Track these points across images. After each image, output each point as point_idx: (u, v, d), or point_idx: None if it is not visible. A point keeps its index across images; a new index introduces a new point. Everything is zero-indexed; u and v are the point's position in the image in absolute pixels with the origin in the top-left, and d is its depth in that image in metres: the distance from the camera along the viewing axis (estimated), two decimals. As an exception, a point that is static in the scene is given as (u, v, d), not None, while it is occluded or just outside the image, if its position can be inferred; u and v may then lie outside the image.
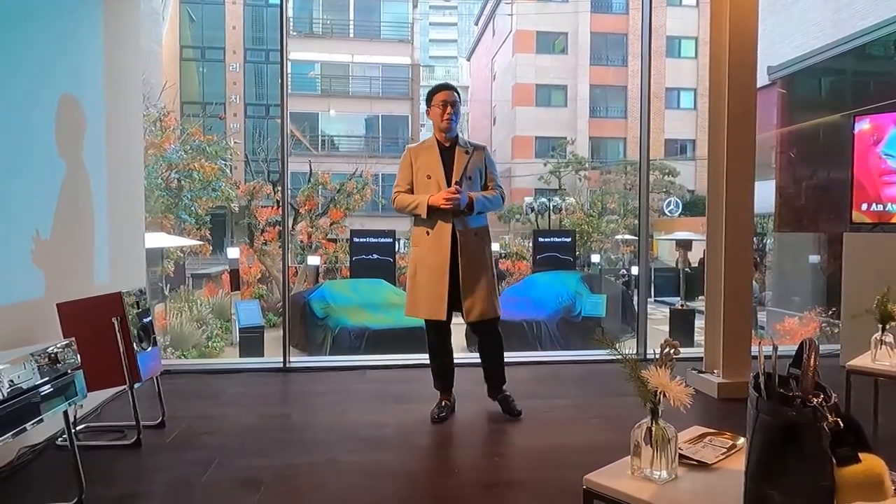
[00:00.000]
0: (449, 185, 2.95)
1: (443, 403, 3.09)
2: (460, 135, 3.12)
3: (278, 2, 4.27)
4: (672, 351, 1.25)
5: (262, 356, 7.63)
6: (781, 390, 1.05)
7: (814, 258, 9.43)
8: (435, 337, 3.11)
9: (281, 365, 4.06)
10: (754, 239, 3.88)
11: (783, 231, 9.93)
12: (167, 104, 12.94)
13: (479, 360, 3.27)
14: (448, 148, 3.04)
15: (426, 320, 3.04)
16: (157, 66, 12.80)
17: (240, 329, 8.30)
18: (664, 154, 22.39)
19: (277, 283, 11.98)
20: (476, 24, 33.06)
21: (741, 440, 1.45)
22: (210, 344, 9.04)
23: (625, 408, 3.24)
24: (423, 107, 3.44)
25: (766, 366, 1.12)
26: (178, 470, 2.45)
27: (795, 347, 1.16)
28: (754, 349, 3.62)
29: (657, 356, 1.30)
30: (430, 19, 42.28)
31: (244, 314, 8.28)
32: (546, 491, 2.26)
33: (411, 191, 3.03)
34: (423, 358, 3.24)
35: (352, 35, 23.35)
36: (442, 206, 2.90)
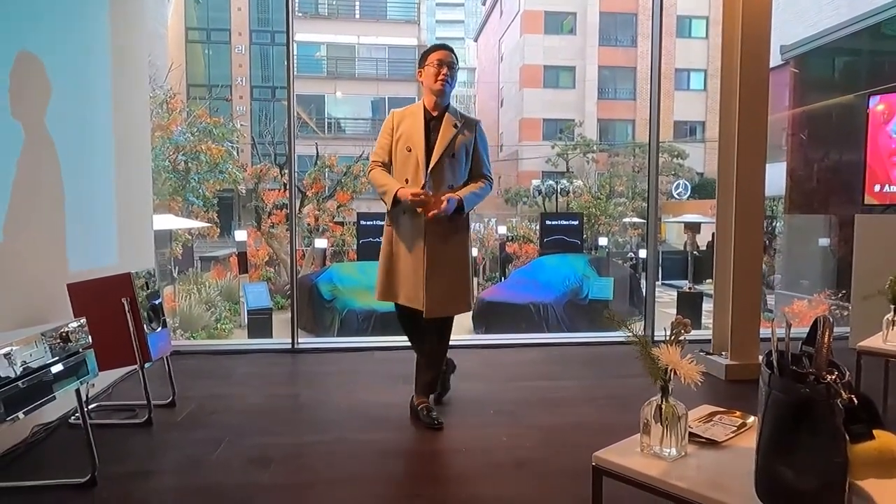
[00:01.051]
0: (428, 163, 2.61)
1: (428, 404, 2.76)
2: (452, 104, 2.77)
3: (284, -19, 4.21)
4: (683, 329, 1.24)
5: (271, 338, 7.70)
6: (794, 367, 1.04)
7: (824, 241, 9.36)
8: (409, 323, 2.80)
9: (289, 346, 4.09)
10: (764, 222, 3.84)
11: (793, 213, 9.84)
12: (173, 86, 12.91)
13: (482, 342, 3.25)
14: (436, 118, 2.68)
15: (400, 307, 2.75)
16: (162, 48, 12.74)
17: (248, 311, 8.37)
18: (673, 136, 22.18)
19: (285, 265, 12.03)
20: (483, 4, 32.64)
21: (751, 419, 1.44)
22: (219, 326, 9.12)
23: (632, 388, 3.28)
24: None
25: (779, 345, 1.10)
26: (189, 448, 2.48)
27: (804, 330, 1.15)
28: (763, 331, 3.61)
29: (667, 335, 1.29)
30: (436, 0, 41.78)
31: (252, 296, 8.34)
32: (554, 469, 2.27)
33: (390, 163, 2.71)
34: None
35: (358, 16, 23.15)
36: (414, 205, 2.58)
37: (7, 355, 1.71)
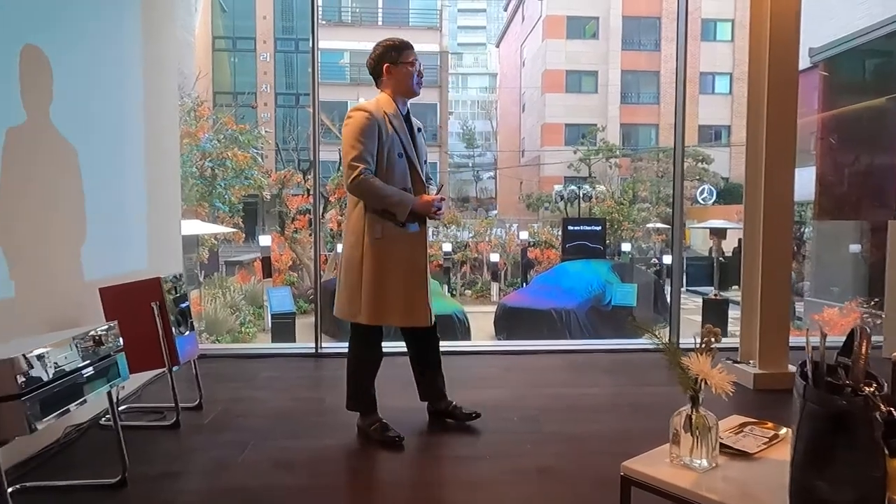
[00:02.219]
0: (420, 168, 2.52)
1: (383, 421, 2.60)
2: None
3: (308, -10, 4.27)
4: (713, 338, 1.22)
5: (294, 342, 7.77)
6: (830, 379, 1.02)
7: (854, 247, 9.14)
8: (377, 347, 2.63)
9: (313, 350, 4.12)
10: (793, 227, 3.77)
11: (823, 219, 9.63)
12: (200, 94, 13.16)
13: (504, 348, 3.19)
14: (406, 117, 2.55)
15: (370, 327, 2.53)
16: (190, 57, 13.01)
17: (272, 315, 8.46)
18: (698, 140, 21.90)
19: (308, 270, 12.14)
20: (505, 9, 32.69)
21: (783, 430, 1.41)
22: (243, 329, 9.24)
23: (656, 397, 3.24)
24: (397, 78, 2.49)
25: (814, 354, 1.08)
26: (216, 450, 2.51)
27: (836, 339, 1.13)
28: (793, 339, 3.53)
29: (697, 344, 1.27)
30: (458, 5, 41.94)
31: (276, 301, 8.43)
32: (579, 477, 2.25)
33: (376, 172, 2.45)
34: (451, 345, 3.20)
35: (380, 23, 23.35)
36: (431, 217, 2.50)
37: (41, 358, 1.75)
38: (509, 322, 9.60)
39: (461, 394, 3.21)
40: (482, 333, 9.83)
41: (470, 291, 14.59)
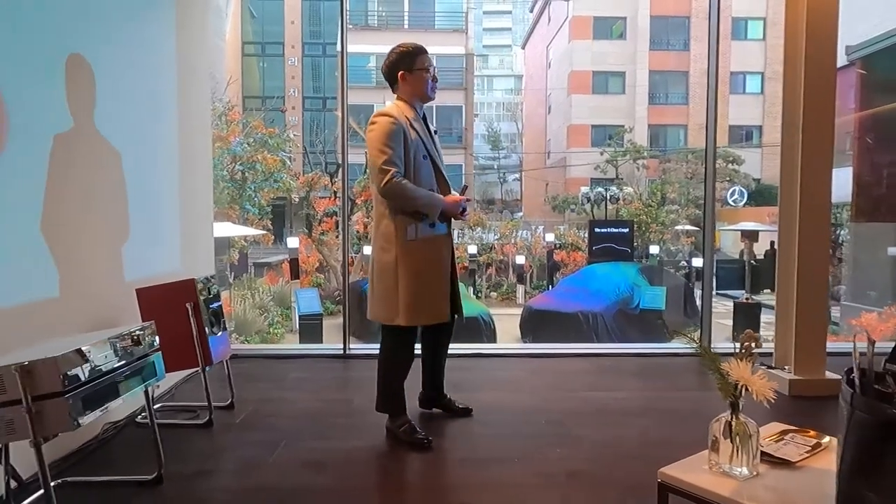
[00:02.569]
0: (443, 170, 2.60)
1: (412, 423, 2.63)
2: None
3: (337, -6, 4.32)
4: (753, 344, 1.20)
5: (321, 342, 7.85)
6: (878, 386, 0.99)
7: (893, 250, 8.86)
8: (411, 349, 2.66)
9: (341, 351, 4.15)
10: (830, 230, 3.67)
11: (860, 221, 9.36)
12: (231, 98, 13.41)
13: (531, 351, 3.16)
14: (423, 120, 2.62)
15: (407, 329, 2.56)
16: (221, 62, 13.26)
17: (300, 316, 8.55)
18: (728, 141, 21.48)
19: (335, 272, 12.25)
20: (531, 11, 32.57)
21: (826, 439, 1.37)
22: (271, 330, 9.36)
23: (687, 402, 3.19)
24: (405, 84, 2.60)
25: (860, 361, 1.05)
26: (248, 450, 2.55)
27: (881, 345, 1.09)
28: (829, 345, 3.44)
29: (735, 349, 1.24)
30: (483, 8, 41.95)
31: (304, 302, 8.53)
32: (609, 482, 2.23)
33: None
34: (477, 348, 3.19)
35: (406, 26, 23.46)
36: (456, 217, 2.59)
37: (83, 357, 1.80)
38: (535, 325, 9.54)
39: (487, 396, 3.22)
40: (507, 336, 9.79)
41: (495, 294, 14.55)
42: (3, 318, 2.09)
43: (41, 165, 2.33)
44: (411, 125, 2.52)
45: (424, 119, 2.63)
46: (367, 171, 2.65)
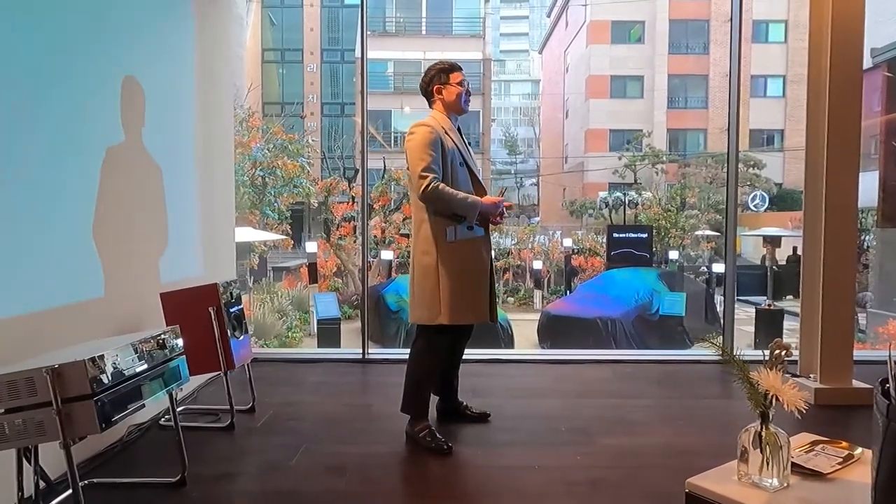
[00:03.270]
0: (478, 176, 2.72)
1: (432, 428, 2.65)
2: None
3: (355, 2, 4.36)
4: (783, 353, 1.18)
5: (339, 347, 7.88)
6: (914, 398, 0.97)
7: (921, 256, 8.65)
8: (446, 352, 2.72)
9: (360, 356, 4.17)
10: (856, 235, 3.60)
11: (886, 227, 9.17)
12: (251, 105, 13.57)
13: (550, 357, 3.16)
14: (458, 131, 2.76)
15: (448, 328, 2.62)
16: (241, 69, 13.44)
17: (318, 320, 8.59)
18: (749, 145, 21.22)
19: (352, 276, 12.31)
20: (548, 15, 32.52)
21: (858, 450, 1.35)
22: (290, 334, 9.42)
23: (710, 410, 3.15)
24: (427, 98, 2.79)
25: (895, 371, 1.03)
26: (269, 453, 2.57)
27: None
28: (856, 353, 3.37)
29: (764, 357, 1.22)
30: (501, 13, 41.99)
31: (322, 306, 8.57)
32: (633, 491, 2.20)
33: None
34: (495, 353, 3.17)
35: (424, 32, 23.57)
36: (494, 221, 2.70)
37: (111, 360, 1.83)
38: (553, 330, 9.47)
39: (506, 402, 3.20)
40: (525, 341, 9.74)
41: (513, 299, 14.49)
42: (55, 318, 2.20)
43: (94, 174, 2.48)
44: (447, 134, 2.65)
45: (459, 130, 2.76)
46: (407, 178, 2.74)
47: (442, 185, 2.54)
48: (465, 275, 2.61)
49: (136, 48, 2.87)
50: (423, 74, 2.80)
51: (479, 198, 2.63)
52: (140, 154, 2.85)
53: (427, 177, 2.51)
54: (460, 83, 2.72)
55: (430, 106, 2.78)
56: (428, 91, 2.76)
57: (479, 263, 2.66)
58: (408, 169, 2.66)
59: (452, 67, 2.75)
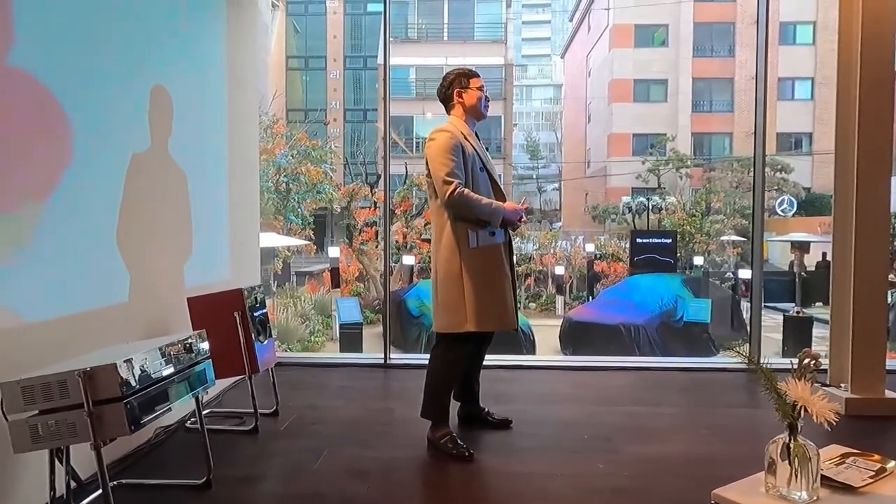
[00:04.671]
0: (498, 181, 2.74)
1: (453, 434, 2.64)
2: None
3: (378, 9, 4.41)
4: (813, 362, 1.16)
5: (361, 351, 7.93)
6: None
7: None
8: (467, 359, 2.73)
9: (382, 361, 4.19)
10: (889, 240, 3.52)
11: (920, 232, 8.90)
12: (275, 112, 13.78)
13: (573, 364, 3.15)
14: (476, 136, 2.77)
15: (473, 334, 2.62)
16: (266, 76, 13.65)
17: (340, 325, 8.66)
18: (776, 149, 20.82)
19: (374, 281, 12.37)
20: (570, 20, 32.41)
21: (892, 463, 1.31)
22: (312, 339, 9.50)
23: (735, 419, 3.09)
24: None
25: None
26: (293, 456, 2.59)
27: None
28: (889, 362, 3.28)
29: (794, 367, 1.20)
30: (522, 18, 41.96)
31: (344, 311, 8.63)
32: (655, 500, 2.17)
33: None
34: (517, 359, 3.15)
35: (446, 38, 23.67)
36: (514, 225, 2.68)
37: (140, 364, 1.87)
38: (576, 336, 9.40)
39: (528, 408, 3.19)
40: (546, 347, 9.67)
41: (534, 304, 14.42)
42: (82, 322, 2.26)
43: (119, 180, 2.54)
44: (466, 139, 2.65)
45: (477, 135, 2.76)
46: (427, 184, 2.73)
47: (466, 191, 2.54)
48: (489, 281, 2.60)
49: (168, 56, 2.95)
50: (441, 80, 2.79)
51: (500, 203, 2.64)
52: (165, 160, 2.91)
53: (452, 182, 2.51)
54: (480, 88, 2.73)
55: (448, 111, 2.78)
56: (447, 94, 2.74)
57: (502, 269, 2.65)
58: (427, 175, 2.67)
59: (472, 73, 2.76)
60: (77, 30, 2.29)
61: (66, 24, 2.23)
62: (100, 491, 1.81)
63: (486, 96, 2.75)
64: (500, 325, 2.64)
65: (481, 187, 2.63)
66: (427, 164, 2.64)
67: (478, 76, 2.76)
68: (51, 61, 2.14)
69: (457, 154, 2.56)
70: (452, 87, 2.73)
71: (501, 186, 2.77)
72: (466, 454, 2.53)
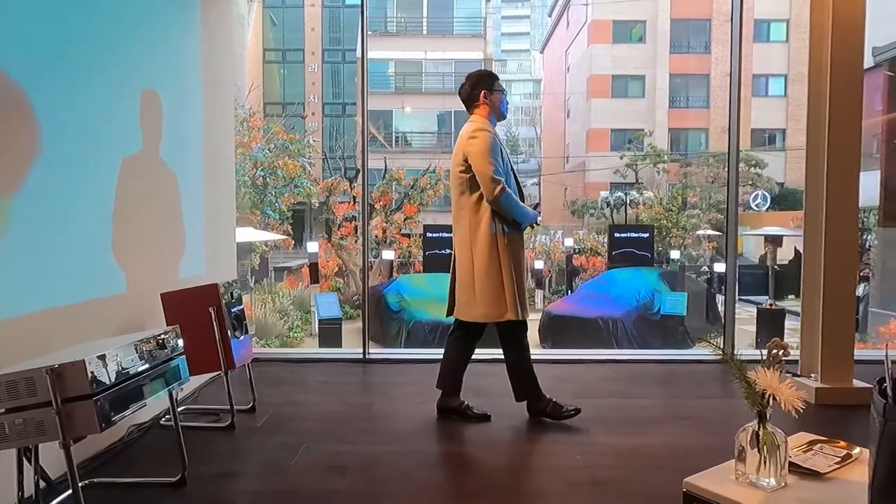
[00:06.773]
0: (518, 179, 2.89)
1: (551, 399, 2.93)
2: None
3: (356, 2, 4.36)
4: (781, 352, 1.18)
5: (340, 347, 7.88)
6: (911, 397, 0.97)
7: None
8: (526, 338, 2.97)
9: (361, 356, 4.17)
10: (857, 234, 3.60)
11: (888, 226, 9.15)
12: (252, 105, 13.59)
13: (552, 357, 3.24)
14: None
15: (521, 322, 2.86)
16: (242, 69, 13.45)
17: (319, 320, 8.60)
18: (751, 145, 21.17)
19: (353, 276, 12.31)
20: (549, 15, 32.49)
21: (857, 450, 1.34)
22: (291, 334, 9.42)
23: (711, 410, 3.15)
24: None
25: (893, 370, 1.03)
26: (270, 453, 2.57)
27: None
28: (858, 353, 3.37)
29: (763, 357, 1.22)
30: (502, 13, 41.96)
31: (323, 306, 8.57)
32: (635, 491, 2.20)
33: None
34: (497, 353, 3.13)
35: (425, 32, 23.57)
36: (534, 225, 2.95)
37: (110, 360, 1.84)
38: (555, 330, 9.46)
39: (508, 402, 3.19)
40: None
41: (514, 299, 14.45)
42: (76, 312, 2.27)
43: (111, 180, 2.57)
44: (497, 139, 2.81)
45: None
46: (461, 178, 2.81)
47: (509, 191, 2.72)
48: (518, 271, 2.81)
49: (151, 60, 2.92)
50: (465, 80, 2.89)
51: (531, 209, 2.86)
52: (156, 164, 2.94)
53: (500, 181, 2.68)
54: (503, 90, 2.88)
55: (470, 111, 2.87)
56: (474, 94, 2.84)
57: (523, 260, 2.87)
58: (461, 172, 2.75)
59: (495, 75, 2.91)
60: (46, 23, 2.23)
61: (34, 18, 2.17)
62: (70, 491, 1.77)
63: (505, 98, 2.89)
64: (526, 315, 2.84)
65: (511, 186, 2.79)
66: (464, 159, 2.73)
67: (498, 78, 2.91)
68: (17, 53, 2.08)
69: (497, 154, 2.73)
70: (478, 87, 2.83)
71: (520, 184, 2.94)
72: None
